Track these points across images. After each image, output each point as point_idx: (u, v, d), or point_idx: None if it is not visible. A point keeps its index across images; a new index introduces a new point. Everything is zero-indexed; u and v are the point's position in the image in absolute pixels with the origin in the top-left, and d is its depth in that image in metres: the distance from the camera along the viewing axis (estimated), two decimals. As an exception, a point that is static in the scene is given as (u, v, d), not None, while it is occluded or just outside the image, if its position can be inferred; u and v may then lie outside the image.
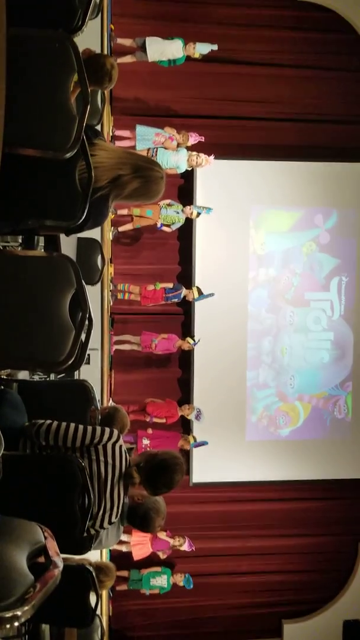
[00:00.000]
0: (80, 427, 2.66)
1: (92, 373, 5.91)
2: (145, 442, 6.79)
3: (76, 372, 4.45)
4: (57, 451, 2.64)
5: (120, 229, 7.05)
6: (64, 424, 2.66)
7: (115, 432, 2.70)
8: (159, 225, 6.95)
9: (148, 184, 2.65)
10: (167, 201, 6.92)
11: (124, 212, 6.92)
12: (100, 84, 3.02)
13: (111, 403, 6.42)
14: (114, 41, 6.52)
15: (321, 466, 7.78)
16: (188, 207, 6.98)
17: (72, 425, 2.66)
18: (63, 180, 2.33)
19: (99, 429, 2.66)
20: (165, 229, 7.02)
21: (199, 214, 7.01)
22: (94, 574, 3.31)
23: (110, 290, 6.76)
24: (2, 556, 1.21)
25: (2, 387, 3.24)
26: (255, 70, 7.43)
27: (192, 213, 6.98)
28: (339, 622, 7.87)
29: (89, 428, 2.65)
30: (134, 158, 2.63)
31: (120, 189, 2.61)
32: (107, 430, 2.67)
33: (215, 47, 6.60)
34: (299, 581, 7.87)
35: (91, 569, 3.34)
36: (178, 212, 6.94)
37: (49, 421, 2.67)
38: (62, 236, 3.15)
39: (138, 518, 2.96)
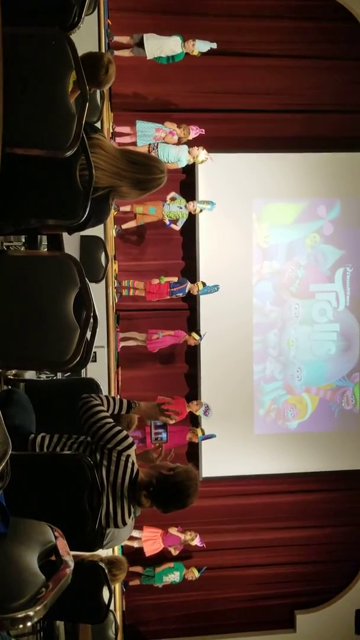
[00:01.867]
0: (102, 420, 2.50)
1: (99, 370, 5.91)
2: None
3: (83, 370, 4.45)
4: (69, 447, 2.61)
5: (124, 226, 7.05)
6: (99, 412, 2.53)
7: (128, 440, 2.51)
8: (167, 222, 6.93)
9: (148, 190, 2.67)
10: (171, 195, 6.90)
11: (127, 209, 6.91)
12: (98, 81, 3.01)
13: (118, 397, 6.42)
14: (111, 38, 6.49)
15: (330, 458, 7.78)
16: (191, 202, 6.97)
17: (95, 411, 2.53)
18: (64, 179, 2.32)
19: (113, 430, 2.50)
20: (173, 226, 7.00)
21: (201, 210, 7.00)
22: (105, 569, 3.32)
23: (115, 287, 6.76)
24: (14, 557, 1.21)
25: (10, 386, 3.25)
26: (254, 62, 7.39)
27: (195, 209, 6.96)
28: (351, 611, 7.89)
29: (107, 425, 2.50)
30: (133, 170, 2.60)
31: (119, 194, 2.63)
32: (121, 435, 2.50)
33: (214, 45, 6.58)
34: (310, 572, 7.88)
35: (103, 564, 3.36)
36: (181, 208, 6.93)
37: (97, 401, 2.56)
38: (65, 234, 3.15)
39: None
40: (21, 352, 2.08)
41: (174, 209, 6.90)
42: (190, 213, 7.01)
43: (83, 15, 2.52)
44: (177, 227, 7.05)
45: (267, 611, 7.81)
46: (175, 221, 6.97)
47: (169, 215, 6.89)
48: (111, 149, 2.61)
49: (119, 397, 2.81)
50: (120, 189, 2.61)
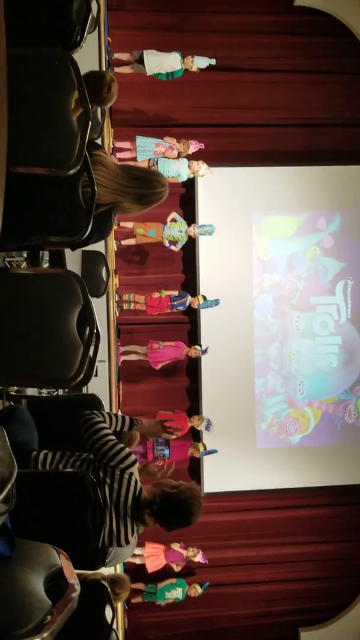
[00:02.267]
0: (105, 437, 2.48)
1: (99, 385, 5.88)
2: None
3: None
4: (72, 464, 2.59)
5: (124, 242, 7.05)
6: (101, 429, 2.51)
7: (131, 457, 2.50)
8: (167, 244, 6.95)
9: (150, 204, 2.69)
10: (172, 216, 6.91)
11: (129, 225, 6.93)
12: (101, 99, 3.03)
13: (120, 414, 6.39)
14: (111, 55, 6.55)
15: (334, 472, 7.73)
16: (191, 227, 6.98)
17: (98, 428, 2.51)
18: (66, 196, 2.33)
19: (116, 447, 2.47)
20: (172, 247, 7.02)
21: (202, 235, 7.02)
22: (108, 588, 3.29)
23: (116, 302, 6.76)
24: (19, 581, 1.20)
25: (12, 403, 3.24)
26: (253, 77, 7.44)
27: (195, 234, 6.99)
28: (356, 629, 7.79)
29: (110, 442, 2.48)
30: (135, 185, 2.61)
31: (121, 211, 2.65)
32: (124, 453, 2.48)
33: (213, 61, 6.63)
34: (315, 589, 7.80)
35: (105, 583, 3.32)
36: (181, 231, 6.94)
37: (99, 418, 2.55)
38: (67, 250, 3.16)
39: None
40: (24, 369, 2.08)
41: (174, 232, 6.92)
42: (190, 237, 7.03)
43: (85, 35, 2.54)
44: (177, 248, 7.07)
45: (270, 629, 7.72)
46: (175, 242, 6.99)
47: (169, 238, 6.91)
48: (112, 166, 2.63)
49: (120, 413, 2.79)
50: (123, 204, 2.63)
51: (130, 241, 7.05)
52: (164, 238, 6.89)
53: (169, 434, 2.94)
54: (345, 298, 7.74)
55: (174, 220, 6.94)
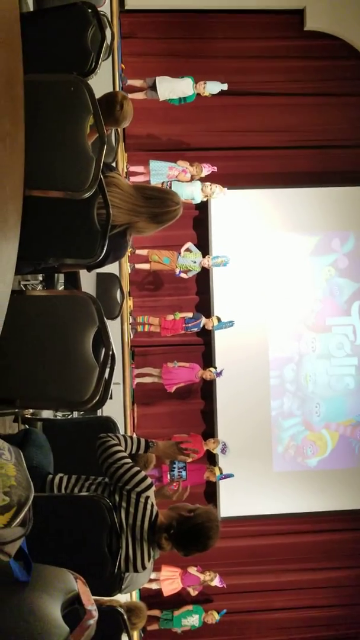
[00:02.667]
0: (120, 460, 2.46)
1: (114, 407, 5.89)
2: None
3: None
4: (87, 488, 2.57)
5: (137, 266, 7.08)
6: (117, 452, 2.50)
7: (147, 481, 2.46)
8: (177, 272, 6.98)
9: (164, 222, 2.71)
10: (186, 246, 6.97)
11: (143, 252, 6.97)
12: (115, 118, 3.05)
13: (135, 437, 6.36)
14: (124, 82, 6.65)
15: (352, 496, 7.60)
16: (205, 258, 7.01)
17: (114, 451, 2.49)
18: (82, 219, 2.35)
19: (132, 470, 2.45)
20: (182, 275, 7.05)
21: (216, 266, 7.05)
22: (125, 615, 3.24)
23: (130, 323, 6.77)
24: (37, 607, 1.18)
25: (27, 426, 3.23)
26: (265, 101, 7.52)
27: (209, 265, 7.02)
28: (376, 658, 7.62)
29: (125, 465, 2.45)
30: (149, 205, 2.63)
31: (136, 231, 2.67)
32: (139, 476, 2.45)
33: (225, 86, 6.72)
34: (336, 616, 7.63)
35: (122, 610, 3.28)
36: (195, 262, 6.98)
37: (115, 441, 2.53)
38: (82, 272, 3.17)
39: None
40: (40, 392, 2.08)
41: (188, 262, 6.95)
42: (203, 268, 7.05)
43: (100, 62, 2.59)
44: (187, 276, 7.09)
45: (289, 657, 7.57)
46: (186, 271, 7.02)
47: (182, 267, 6.95)
48: (126, 187, 2.66)
49: (136, 436, 2.77)
50: (137, 224, 2.65)
51: (145, 266, 7.08)
52: (177, 267, 6.93)
53: (185, 456, 2.92)
54: (361, 318, 7.70)
55: (188, 250, 6.97)
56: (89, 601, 1.31)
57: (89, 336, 2.15)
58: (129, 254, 6.71)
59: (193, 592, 7.00)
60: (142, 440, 2.75)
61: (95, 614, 1.31)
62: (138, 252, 6.95)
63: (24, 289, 3.91)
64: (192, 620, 6.94)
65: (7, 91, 1.51)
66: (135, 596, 6.03)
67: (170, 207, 2.69)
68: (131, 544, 2.44)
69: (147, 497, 2.45)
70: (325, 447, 7.66)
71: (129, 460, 2.53)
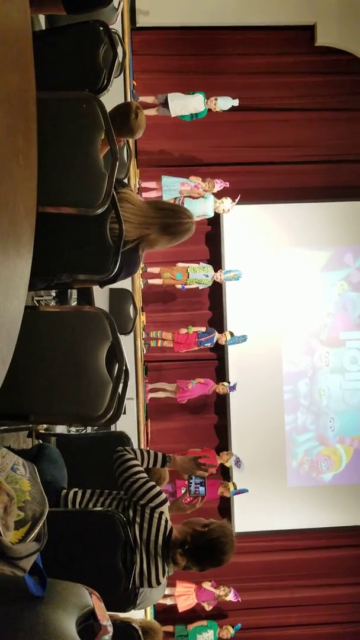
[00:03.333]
0: (136, 475, 2.45)
1: (128, 423, 5.88)
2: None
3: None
4: (102, 503, 2.56)
5: (150, 281, 7.11)
6: (133, 466, 2.50)
7: (161, 496, 2.44)
8: (180, 286, 7.00)
9: (178, 237, 2.70)
10: (200, 265, 7.00)
11: (156, 270, 7.00)
12: (130, 128, 3.07)
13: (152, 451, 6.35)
14: (136, 98, 6.71)
15: (367, 511, 7.54)
16: (218, 272, 7.03)
17: (129, 465, 2.49)
18: (94, 235, 2.37)
19: (147, 485, 2.43)
20: (187, 286, 7.07)
21: (228, 280, 7.06)
22: (140, 631, 3.21)
23: (143, 339, 6.78)
24: (52, 622, 1.17)
25: (41, 441, 3.23)
26: (276, 116, 7.55)
27: (221, 279, 7.03)
28: None
29: (141, 480, 2.44)
30: (161, 216, 2.64)
31: (149, 244, 2.67)
32: (154, 491, 2.43)
33: (236, 102, 6.75)
34: (352, 633, 7.52)
35: (136, 625, 3.25)
36: (207, 275, 7.00)
37: (131, 454, 2.54)
38: (95, 288, 3.19)
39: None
40: (54, 407, 2.08)
41: (200, 276, 6.97)
42: (215, 282, 7.07)
43: (112, 79, 2.62)
44: (191, 286, 7.09)
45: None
46: (195, 285, 7.04)
47: (193, 282, 6.95)
48: (138, 202, 2.67)
49: (153, 450, 2.76)
50: (149, 237, 2.64)
51: (157, 281, 7.11)
52: (188, 281, 6.94)
53: (203, 471, 2.90)
54: (375, 333, 7.66)
55: (200, 267, 6.99)
56: (104, 617, 1.30)
57: (103, 351, 2.15)
58: (142, 271, 6.74)
59: (208, 607, 6.94)
60: (159, 454, 2.74)
61: (110, 629, 1.30)
62: (150, 270, 6.99)
63: (37, 304, 3.93)
64: (207, 635, 6.87)
65: (20, 109, 1.53)
66: (150, 612, 5.98)
67: (183, 219, 2.69)
68: (145, 560, 2.42)
69: (162, 513, 2.44)
70: (340, 462, 7.59)
71: (144, 474, 2.52)
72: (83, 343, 2.10)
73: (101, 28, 2.70)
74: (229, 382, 7.05)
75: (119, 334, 2.21)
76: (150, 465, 2.65)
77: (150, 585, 2.47)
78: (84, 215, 2.17)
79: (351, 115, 7.62)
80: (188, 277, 6.96)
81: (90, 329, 2.12)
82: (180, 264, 7.05)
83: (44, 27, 3.32)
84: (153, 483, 2.49)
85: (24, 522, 1.28)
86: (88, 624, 1.32)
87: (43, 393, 2.05)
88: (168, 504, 2.51)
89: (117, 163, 2.13)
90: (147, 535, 2.42)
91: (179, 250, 7.09)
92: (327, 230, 7.62)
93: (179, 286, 7.03)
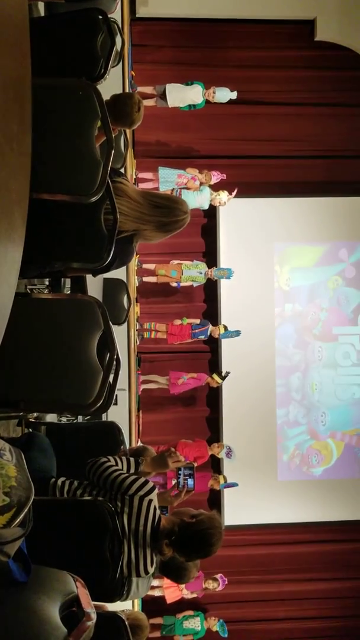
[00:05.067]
0: (116, 472, 2.48)
1: (119, 414, 5.88)
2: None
3: (104, 414, 4.42)
4: (89, 493, 2.56)
5: (145, 279, 7.09)
6: (104, 463, 2.51)
7: (149, 484, 2.45)
8: (176, 284, 7.01)
9: (172, 231, 2.71)
10: (194, 262, 7.02)
11: (151, 267, 6.99)
12: (131, 120, 3.06)
13: (140, 444, 6.36)
14: (134, 89, 6.68)
15: (357, 506, 7.57)
16: (210, 269, 7.05)
17: (107, 466, 2.51)
18: (89, 223, 2.36)
19: (130, 477, 2.46)
20: (183, 284, 7.09)
21: (220, 278, 7.08)
22: (126, 621, 3.22)
23: (137, 330, 6.77)
24: (35, 608, 1.18)
25: (31, 430, 3.23)
26: (274, 110, 7.53)
27: (213, 277, 7.05)
28: (380, 671, 7.54)
29: (122, 475, 2.47)
30: (156, 214, 2.63)
31: (143, 238, 2.67)
32: (140, 481, 2.45)
33: (234, 95, 6.72)
34: (339, 627, 7.57)
35: (123, 616, 3.26)
36: (201, 273, 7.01)
37: (104, 459, 2.54)
38: (89, 277, 3.18)
39: (172, 569, 2.81)
40: (44, 395, 2.08)
41: (194, 273, 7.00)
42: (209, 279, 7.08)
43: (109, 67, 2.60)
44: (190, 284, 7.11)
45: (291, 668, 7.51)
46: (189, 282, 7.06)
47: (188, 279, 6.97)
48: (134, 194, 2.65)
49: (125, 457, 2.73)
50: (145, 232, 2.65)
51: (152, 278, 7.10)
52: (182, 278, 6.96)
53: (175, 462, 2.88)
54: (368, 328, 7.68)
55: (194, 265, 7.00)
56: (88, 603, 1.31)
57: (94, 340, 2.15)
58: (136, 269, 6.74)
59: (194, 595, 6.99)
60: (132, 459, 2.73)
61: (94, 616, 1.30)
62: (145, 266, 6.99)
63: (29, 292, 3.91)
64: (193, 622, 6.91)
65: (15, 94, 1.52)
66: (137, 603, 6.00)
67: (179, 217, 2.69)
68: (134, 549, 2.43)
69: (150, 501, 2.44)
70: (331, 457, 7.62)
71: (122, 471, 2.53)
72: (74, 331, 2.10)
73: (100, 16, 2.69)
74: (220, 376, 7.03)
75: (111, 324, 2.21)
76: (125, 470, 2.63)
77: (138, 575, 2.47)
78: (78, 203, 2.16)
79: (350, 111, 7.61)
80: (182, 275, 6.97)
81: (82, 317, 2.11)
82: (174, 262, 7.06)
83: (42, 15, 3.29)
84: (136, 476, 2.49)
85: (9, 507, 1.27)
86: (72, 610, 1.32)
87: (33, 380, 2.04)
88: (157, 491, 2.51)
89: (113, 152, 2.12)
90: (135, 524, 2.42)
91: (174, 242, 7.08)
92: (323, 225, 7.62)
93: (174, 284, 7.04)
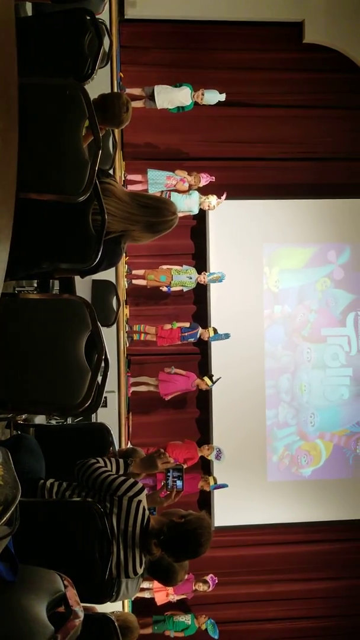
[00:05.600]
0: (104, 473, 2.48)
1: (109, 416, 5.87)
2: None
3: (93, 416, 4.42)
4: (78, 494, 2.55)
5: (134, 282, 7.08)
6: (93, 464, 2.52)
7: (138, 485, 2.45)
8: (166, 289, 7.00)
9: (160, 232, 2.70)
10: (183, 267, 7.02)
11: (140, 272, 6.98)
12: (120, 120, 3.06)
13: (129, 446, 6.35)
14: (123, 90, 6.67)
15: (346, 506, 7.59)
16: (202, 274, 7.04)
17: (96, 467, 2.51)
18: (76, 223, 2.35)
19: (119, 478, 2.45)
20: (173, 289, 7.07)
21: (212, 282, 7.08)
22: (116, 623, 3.21)
23: (126, 332, 6.76)
24: (22, 606, 1.17)
25: (19, 432, 3.22)
26: (263, 112, 7.56)
27: (205, 281, 7.04)
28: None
29: (111, 476, 2.47)
30: (145, 214, 2.62)
31: (132, 239, 2.66)
32: (129, 482, 2.44)
33: (222, 97, 6.73)
34: (329, 627, 7.59)
35: (113, 617, 3.25)
36: (191, 277, 7.01)
37: (93, 460, 2.54)
38: (77, 279, 3.17)
39: (160, 571, 2.81)
40: (32, 395, 2.07)
41: (184, 278, 6.98)
42: (199, 283, 7.08)
43: (96, 68, 2.60)
44: (180, 288, 7.09)
45: (280, 668, 7.51)
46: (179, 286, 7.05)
47: (178, 284, 6.96)
48: (122, 194, 2.65)
49: (114, 458, 2.72)
50: (133, 233, 2.64)
51: (141, 282, 7.09)
52: (172, 283, 6.95)
53: (165, 462, 2.88)
54: (356, 329, 7.71)
55: (184, 270, 6.99)
56: (76, 602, 1.30)
57: (82, 340, 2.15)
58: (126, 273, 6.73)
59: (182, 597, 6.98)
60: (121, 460, 2.73)
61: (81, 614, 1.30)
62: (135, 272, 6.97)
63: (17, 293, 3.90)
64: (184, 617, 6.91)
65: (2, 93, 1.52)
66: (127, 605, 5.98)
67: (167, 217, 2.68)
68: (123, 550, 2.42)
69: (139, 502, 2.44)
70: (320, 457, 7.65)
71: (111, 472, 2.52)
72: (62, 331, 2.09)
73: (87, 17, 2.68)
74: (211, 378, 7.03)
75: (99, 324, 2.20)
76: (114, 472, 2.63)
77: (127, 576, 2.47)
78: (65, 203, 2.16)
79: (336, 113, 7.65)
80: (172, 280, 6.97)
81: (70, 317, 2.11)
82: (163, 267, 7.05)
83: (30, 15, 3.29)
84: (125, 477, 2.49)
85: (-5, 505, 1.27)
86: (60, 609, 1.31)
87: (20, 380, 2.03)
88: (146, 492, 2.51)
89: (100, 151, 2.12)
90: (124, 525, 2.41)
91: (163, 245, 7.09)
92: (312, 227, 7.65)
93: (164, 289, 7.03)
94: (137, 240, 2.71)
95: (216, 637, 6.96)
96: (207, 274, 7.09)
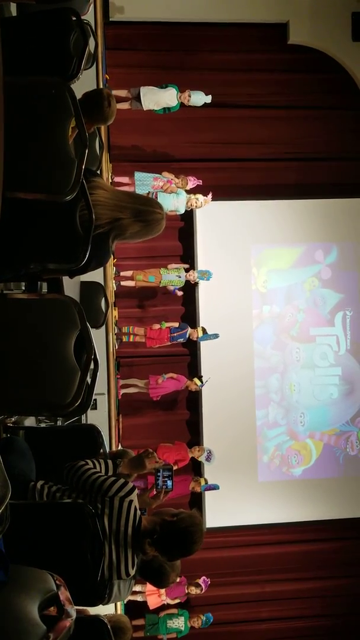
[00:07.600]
0: (94, 475, 2.48)
1: (99, 418, 5.85)
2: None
3: (83, 418, 4.40)
4: (69, 496, 2.54)
5: (123, 283, 7.07)
6: (83, 466, 2.51)
7: (128, 485, 2.45)
8: (172, 289, 7.03)
9: (149, 227, 2.67)
10: (173, 266, 7.03)
11: (128, 273, 6.98)
12: (104, 116, 3.06)
13: (120, 448, 6.34)
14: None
15: (337, 505, 7.62)
16: (190, 272, 7.05)
17: (85, 469, 2.51)
18: (64, 223, 2.34)
19: (109, 479, 2.46)
20: (178, 292, 7.08)
21: (201, 279, 7.09)
22: (108, 625, 3.19)
23: (115, 334, 6.75)
24: (13, 606, 1.16)
25: (9, 434, 3.20)
26: (249, 113, 7.58)
27: (194, 279, 7.05)
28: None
29: (101, 477, 2.47)
30: (134, 202, 2.62)
31: (120, 230, 2.63)
32: (119, 482, 2.44)
33: (208, 99, 6.74)
34: (322, 626, 7.60)
35: (105, 619, 3.23)
36: (180, 276, 7.02)
37: (82, 462, 2.54)
38: (66, 280, 3.16)
39: (151, 573, 2.81)
40: (21, 395, 2.05)
41: (173, 277, 7.00)
42: (188, 282, 7.08)
43: (82, 67, 2.60)
44: (172, 288, 7.11)
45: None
46: (168, 286, 7.06)
47: (167, 283, 6.97)
48: (111, 188, 2.66)
49: (102, 459, 2.72)
50: (122, 222, 2.58)
51: (130, 283, 7.08)
52: (161, 283, 6.96)
53: (152, 462, 2.88)
54: (344, 329, 7.74)
55: (174, 268, 7.01)
56: (68, 601, 1.30)
57: (71, 339, 2.13)
58: (114, 276, 6.72)
59: (177, 600, 6.95)
60: (109, 462, 2.72)
61: (73, 614, 1.29)
62: (123, 273, 6.97)
63: (4, 295, 3.87)
64: (177, 622, 6.86)
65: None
66: (120, 607, 5.95)
67: (155, 208, 2.68)
68: (115, 551, 2.41)
69: (131, 502, 2.43)
70: (310, 457, 7.67)
71: (101, 473, 2.52)
72: (50, 330, 2.08)
73: (73, 17, 2.68)
74: (200, 379, 7.04)
75: (88, 323, 2.19)
76: (104, 473, 2.62)
77: (119, 577, 2.46)
78: (52, 202, 2.15)
79: (322, 113, 7.69)
80: (161, 279, 6.97)
81: (58, 317, 2.10)
82: (152, 269, 7.06)
83: (14, 15, 3.27)
84: (115, 477, 2.48)
85: (-15, 505, 1.26)
86: (52, 609, 1.30)
87: (8, 380, 2.02)
88: (137, 492, 2.50)
89: (87, 150, 2.12)
90: (116, 525, 2.41)
91: (151, 246, 7.09)
92: (299, 227, 7.68)
93: (170, 288, 7.02)
94: (125, 231, 2.63)
95: (209, 623, 6.91)
96: (196, 271, 7.10)
